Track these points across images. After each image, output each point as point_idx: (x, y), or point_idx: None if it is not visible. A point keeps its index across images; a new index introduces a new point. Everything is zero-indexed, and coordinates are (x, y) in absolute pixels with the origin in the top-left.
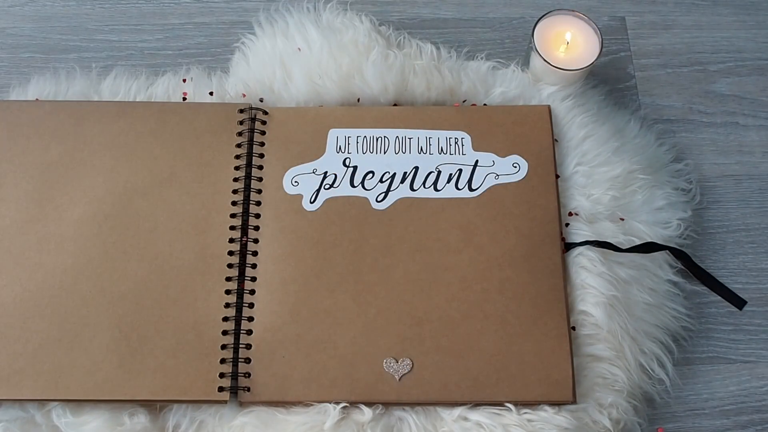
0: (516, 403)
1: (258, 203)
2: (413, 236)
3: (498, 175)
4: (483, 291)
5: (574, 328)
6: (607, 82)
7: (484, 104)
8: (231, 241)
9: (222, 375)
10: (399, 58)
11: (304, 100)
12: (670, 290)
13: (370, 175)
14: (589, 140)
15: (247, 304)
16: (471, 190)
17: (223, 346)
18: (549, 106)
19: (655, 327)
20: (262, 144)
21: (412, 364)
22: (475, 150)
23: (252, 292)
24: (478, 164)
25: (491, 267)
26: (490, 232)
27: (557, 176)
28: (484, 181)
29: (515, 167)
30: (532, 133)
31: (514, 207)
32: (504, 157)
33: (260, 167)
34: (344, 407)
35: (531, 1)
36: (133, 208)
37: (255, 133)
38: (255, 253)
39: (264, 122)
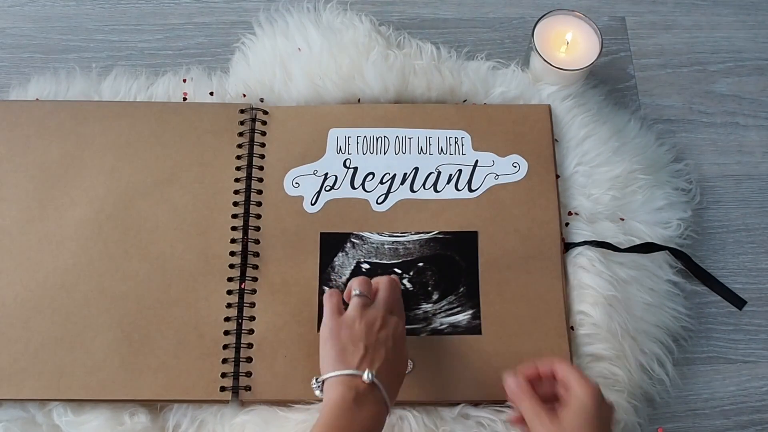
0: None
1: (259, 204)
2: None
3: (498, 175)
4: (482, 292)
5: (573, 328)
6: (607, 82)
7: (484, 104)
8: (232, 241)
9: (224, 374)
10: (399, 58)
11: (305, 100)
12: (670, 290)
13: (371, 176)
14: (589, 140)
15: (248, 304)
16: (471, 190)
17: (225, 346)
18: (549, 106)
19: (655, 327)
20: (263, 144)
21: (413, 363)
22: (475, 150)
23: (253, 292)
24: (478, 164)
25: (491, 267)
26: (489, 232)
27: (557, 176)
28: (483, 182)
29: (515, 167)
30: (532, 132)
31: (513, 207)
32: (504, 156)
33: (261, 167)
34: None
35: (531, 1)
36: (134, 208)
37: (255, 134)
38: (256, 254)
39: (264, 122)
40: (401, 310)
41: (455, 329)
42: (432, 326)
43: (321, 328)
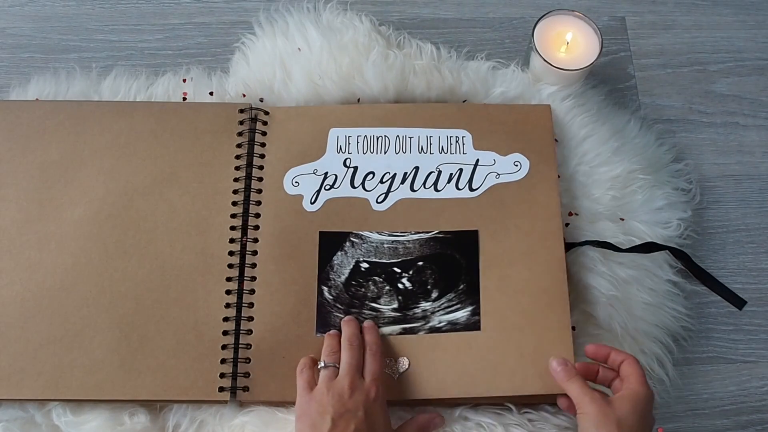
0: (516, 401)
1: (258, 203)
2: None
3: (499, 174)
4: (483, 287)
5: (574, 328)
6: (607, 82)
7: (485, 104)
8: (231, 241)
9: (222, 375)
10: (399, 58)
11: (305, 100)
12: (670, 290)
13: (371, 175)
14: (589, 140)
15: (247, 304)
16: (471, 189)
17: (224, 346)
18: (550, 105)
19: (655, 327)
20: (263, 144)
21: (409, 362)
22: (476, 149)
23: (252, 292)
24: (479, 163)
25: (492, 264)
26: (490, 230)
27: (558, 175)
28: (484, 181)
29: (516, 165)
30: (534, 130)
31: (514, 206)
32: (505, 155)
33: (260, 167)
34: None
35: (531, 1)
36: (134, 208)
37: (255, 133)
38: (255, 253)
39: (264, 122)
40: (376, 367)
41: (454, 326)
42: (430, 324)
43: (295, 406)
